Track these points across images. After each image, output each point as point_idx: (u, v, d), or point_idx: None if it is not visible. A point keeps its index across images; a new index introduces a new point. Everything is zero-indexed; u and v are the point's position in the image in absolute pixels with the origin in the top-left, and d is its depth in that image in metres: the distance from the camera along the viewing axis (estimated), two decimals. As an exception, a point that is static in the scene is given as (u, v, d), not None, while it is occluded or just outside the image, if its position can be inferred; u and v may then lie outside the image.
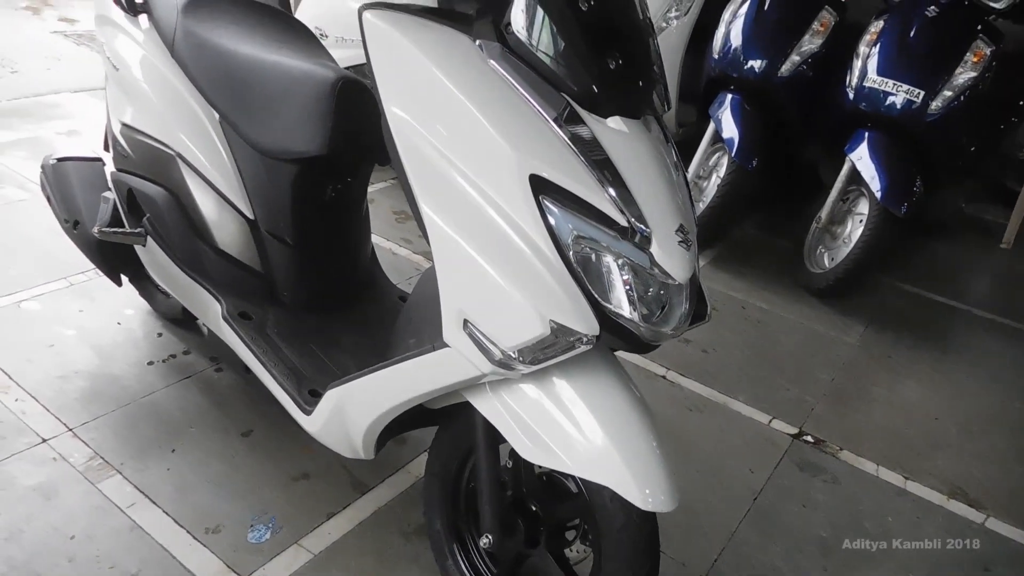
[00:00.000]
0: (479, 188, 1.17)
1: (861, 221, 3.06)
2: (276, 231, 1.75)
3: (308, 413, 1.53)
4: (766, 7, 3.28)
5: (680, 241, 1.19)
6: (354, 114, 1.55)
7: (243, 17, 1.82)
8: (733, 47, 3.27)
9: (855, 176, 3.07)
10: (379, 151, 1.40)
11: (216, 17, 1.78)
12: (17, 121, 3.55)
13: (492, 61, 1.21)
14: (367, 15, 1.27)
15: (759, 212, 3.79)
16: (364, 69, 3.19)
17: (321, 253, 1.80)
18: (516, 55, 1.21)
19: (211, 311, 1.77)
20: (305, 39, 1.86)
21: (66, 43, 4.79)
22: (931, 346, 2.94)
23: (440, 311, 1.23)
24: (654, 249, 1.16)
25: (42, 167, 2.12)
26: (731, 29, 3.31)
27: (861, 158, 3.02)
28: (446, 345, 1.24)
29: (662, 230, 1.17)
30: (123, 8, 1.87)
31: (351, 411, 1.44)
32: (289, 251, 1.76)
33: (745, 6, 3.32)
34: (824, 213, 3.17)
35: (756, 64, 3.21)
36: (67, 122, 3.60)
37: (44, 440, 1.84)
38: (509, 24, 1.22)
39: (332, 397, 1.46)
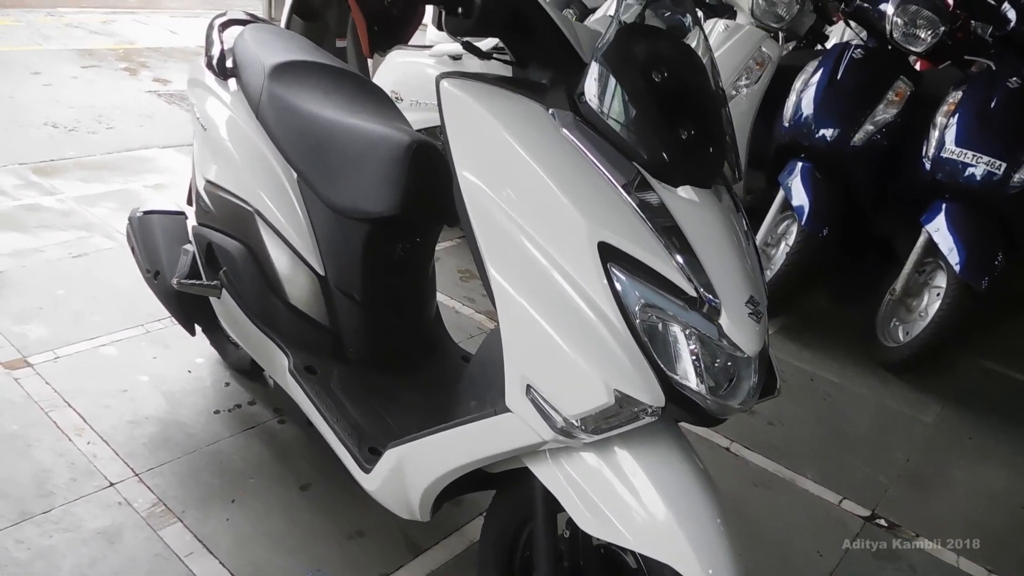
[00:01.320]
0: (547, 254, 1.17)
1: (938, 295, 2.95)
2: (345, 288, 1.79)
3: (367, 471, 1.53)
4: (839, 76, 3.26)
5: (750, 313, 1.16)
6: (426, 176, 1.59)
7: (325, 82, 1.89)
8: (805, 115, 3.25)
9: (932, 248, 2.98)
10: (449, 213, 1.43)
11: (300, 82, 1.86)
12: (109, 174, 3.76)
13: (564, 129, 1.23)
14: (444, 83, 1.31)
15: (829, 282, 3.70)
16: (436, 131, 3.28)
17: (388, 310, 1.83)
18: (588, 123, 1.23)
19: (278, 364, 1.80)
20: (382, 103, 1.92)
21: (159, 102, 5.08)
22: (1017, 429, 2.78)
23: (503, 375, 1.23)
24: (723, 320, 1.14)
25: (129, 219, 2.23)
26: (803, 97, 3.29)
27: (938, 230, 2.93)
28: (508, 410, 1.23)
29: (732, 301, 1.15)
30: (215, 72, 1.98)
31: (410, 472, 1.43)
32: (357, 308, 1.79)
33: (817, 75, 3.31)
34: (899, 285, 3.07)
35: (828, 132, 3.18)
36: (155, 176, 3.80)
37: (111, 484, 1.88)
38: (582, 93, 1.24)
39: (392, 456, 1.46)
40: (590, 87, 1.23)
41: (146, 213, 2.22)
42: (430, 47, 3.29)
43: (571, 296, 1.15)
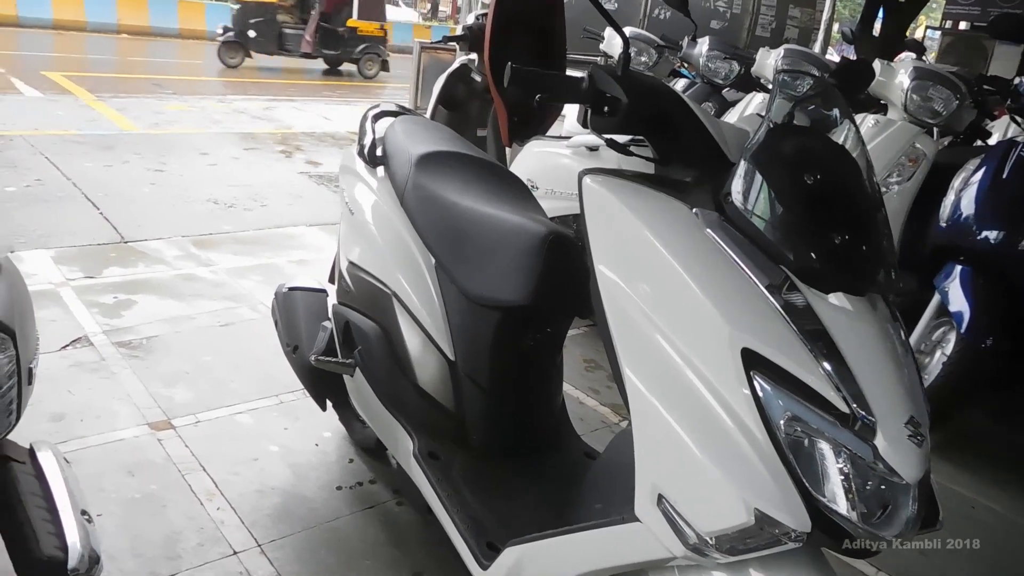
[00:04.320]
0: (686, 357, 1.14)
1: None
2: (473, 374, 1.81)
3: (484, 567, 1.50)
4: (1004, 175, 3.07)
5: (911, 435, 1.08)
6: (561, 268, 1.60)
7: (465, 171, 1.97)
8: (965, 215, 3.06)
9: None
10: (581, 305, 1.42)
11: (442, 171, 1.94)
12: (259, 249, 4.04)
13: (708, 229, 1.21)
14: (587, 180, 1.33)
15: (992, 397, 3.39)
16: (570, 220, 3.30)
17: (514, 399, 1.83)
18: (733, 224, 1.21)
19: (402, 446, 1.83)
20: (519, 192, 1.97)
21: (309, 183, 5.46)
22: None
23: (633, 479, 1.18)
24: (879, 441, 1.06)
25: (275, 294, 2.37)
26: (963, 196, 3.11)
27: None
28: (636, 519, 1.18)
29: (890, 421, 1.07)
30: (365, 160, 2.11)
31: (529, 573, 1.39)
32: (483, 395, 1.80)
33: (980, 173, 3.12)
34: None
35: (992, 235, 2.97)
36: (300, 252, 4.04)
37: (235, 552, 1.94)
38: (728, 193, 1.22)
39: (511, 555, 1.43)
40: (737, 187, 1.22)
41: (291, 289, 2.35)
42: (567, 138, 3.37)
43: (710, 403, 1.11)
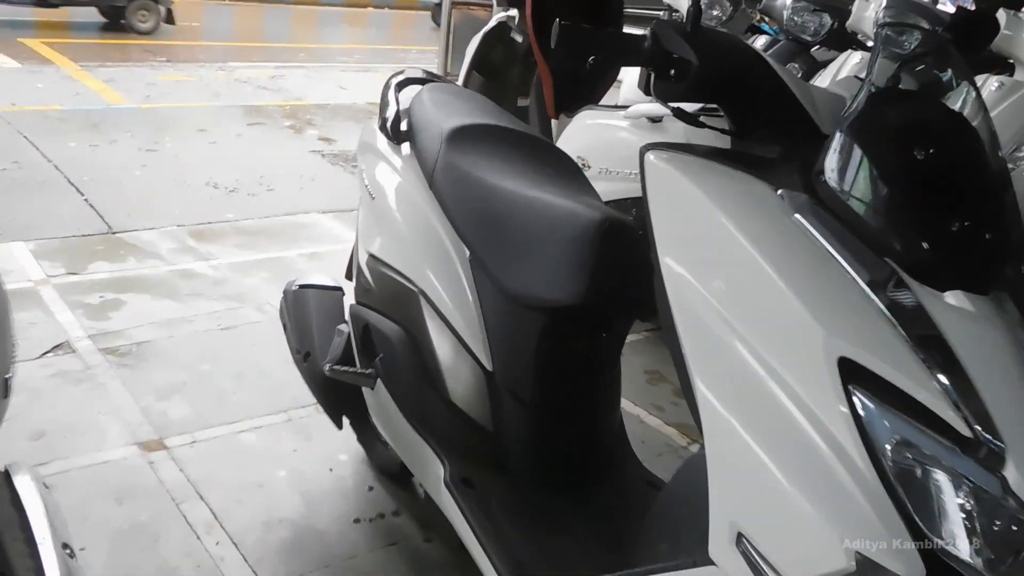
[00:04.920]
0: (771, 368, 1.12)
1: None
2: (514, 387, 1.80)
3: (527, 615, 1.50)
4: None
5: (1049, 464, 1.04)
6: (618, 261, 1.58)
7: (506, 148, 1.96)
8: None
9: None
10: (642, 305, 1.41)
11: (478, 148, 1.94)
12: (265, 240, 4.09)
13: (797, 214, 1.19)
14: (650, 157, 1.31)
15: None
16: (628, 205, 3.27)
17: (562, 417, 1.82)
18: (827, 208, 1.18)
19: (431, 471, 1.83)
20: (568, 172, 1.96)
21: (322, 163, 5.52)
22: None
23: (706, 515, 1.17)
24: (1009, 472, 1.03)
25: (284, 292, 2.39)
26: (1108, 175, 3.02)
27: None
28: (711, 562, 1.16)
29: (1022, 446, 1.03)
30: (388, 136, 2.12)
31: (580, 624, 1.38)
32: (526, 412, 1.79)
33: None
34: None
35: None
36: (312, 244, 4.09)
37: (238, 593, 1.97)
38: (821, 172, 1.20)
39: (559, 601, 1.42)
40: (831, 163, 1.19)
41: (302, 288, 2.37)
42: (625, 107, 3.35)
43: (799, 423, 1.09)
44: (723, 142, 1.41)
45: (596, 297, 1.58)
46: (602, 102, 3.82)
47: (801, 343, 1.10)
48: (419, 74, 2.32)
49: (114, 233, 4.00)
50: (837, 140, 1.20)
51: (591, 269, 1.57)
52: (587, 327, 1.76)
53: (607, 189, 2.99)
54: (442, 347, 1.88)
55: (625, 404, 2.91)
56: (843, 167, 1.18)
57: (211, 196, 4.67)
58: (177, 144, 5.57)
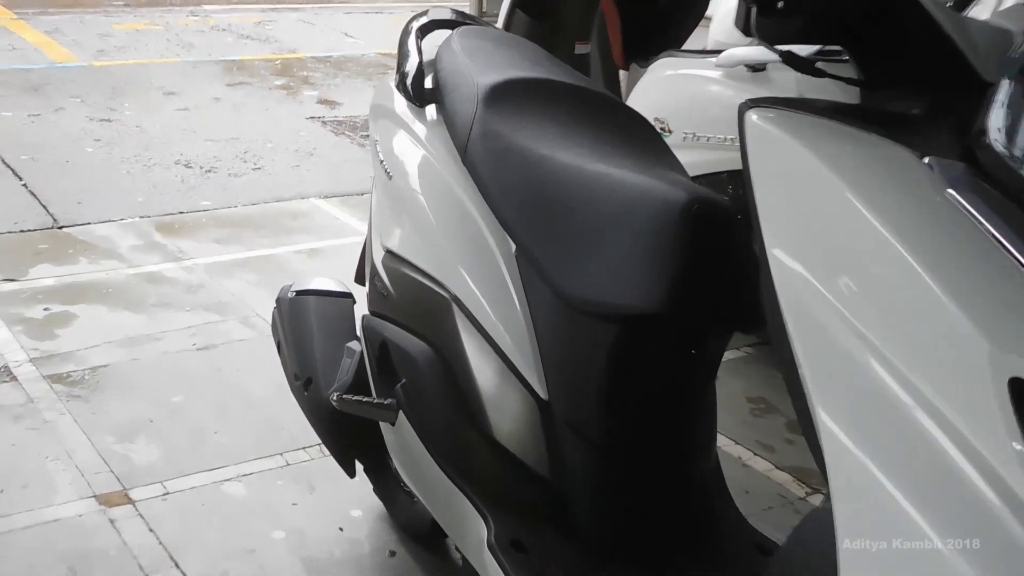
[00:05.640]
0: (918, 394, 1.10)
1: None
2: (577, 421, 1.80)
3: None
4: None
5: None
6: (711, 255, 1.57)
7: (561, 109, 1.96)
8: None
9: None
10: (744, 313, 1.40)
11: (526, 109, 1.94)
12: (253, 234, 4.14)
13: (950, 189, 1.17)
14: (753, 116, 1.30)
15: None
16: (723, 180, 3.27)
17: (640, 460, 1.81)
18: (992, 181, 1.16)
19: (471, 532, 1.83)
20: (643, 139, 1.96)
21: (323, 132, 5.58)
22: None
23: (834, 588, 1.15)
24: None
25: (277, 301, 2.42)
26: None
27: None
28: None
29: None
30: (408, 96, 2.12)
31: None
32: (592, 454, 1.78)
33: None
34: None
35: None
36: (312, 238, 4.14)
37: None
38: (983, 132, 1.18)
39: None
40: (997, 121, 1.17)
41: (299, 294, 2.39)
42: (715, 52, 3.33)
43: (959, 467, 1.07)
44: (849, 95, 1.39)
45: (683, 302, 1.57)
46: (685, 46, 3.82)
47: (959, 360, 1.08)
48: (447, 15, 2.33)
49: (61, 227, 4.07)
50: (1005, 90, 1.18)
51: (676, 266, 1.56)
52: (671, 342, 1.75)
53: (695, 160, 2.98)
54: (482, 370, 1.88)
55: (723, 442, 2.89)
56: (1013, 125, 1.16)
57: (182, 178, 4.74)
58: (139, 112, 5.66)
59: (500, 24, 4.25)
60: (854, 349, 1.16)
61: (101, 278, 3.65)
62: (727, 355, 3.34)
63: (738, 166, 1.35)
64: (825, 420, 1.17)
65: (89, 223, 4.13)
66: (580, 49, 4.19)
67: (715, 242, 1.57)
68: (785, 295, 1.23)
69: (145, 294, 3.54)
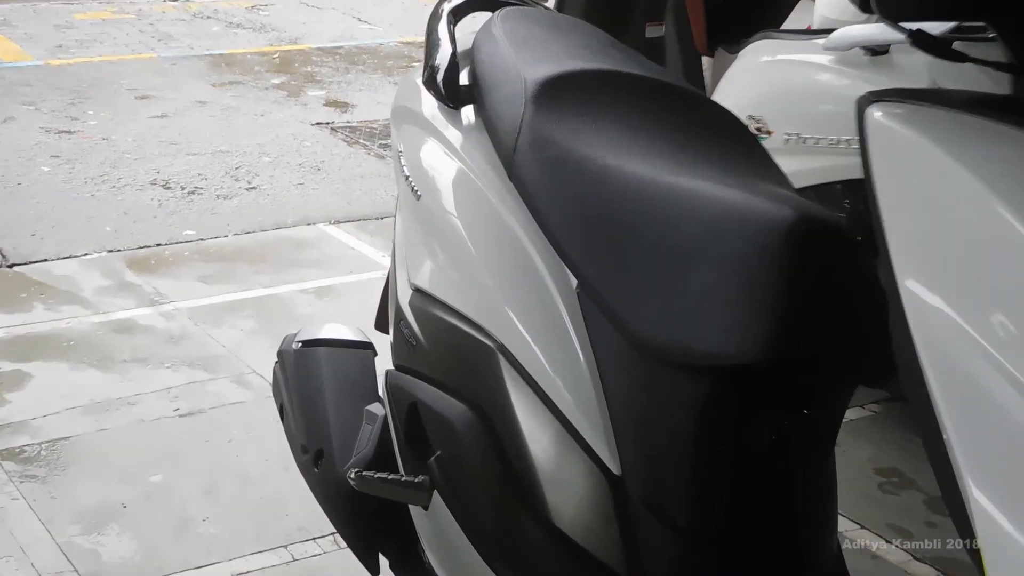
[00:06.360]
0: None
1: None
2: (659, 502, 1.79)
3: None
4: None
5: None
6: (826, 287, 1.57)
7: (633, 108, 1.96)
8: None
9: None
10: (869, 361, 1.38)
11: (587, 109, 1.94)
12: (246, 269, 4.17)
13: None
14: (875, 113, 1.30)
15: None
16: (837, 191, 3.26)
17: (740, 551, 1.79)
18: None
19: (527, 644, 1.83)
20: (735, 143, 1.95)
21: (333, 142, 5.62)
22: None
23: None
24: None
25: (280, 354, 2.42)
26: None
27: None
28: None
29: None
30: (439, 96, 2.13)
31: None
32: (679, 544, 1.77)
33: None
34: None
35: None
36: (319, 274, 4.15)
37: None
38: None
39: None
40: None
41: (307, 345, 2.40)
42: (824, 32, 3.33)
43: None
44: (997, 84, 1.39)
45: (792, 349, 1.56)
46: (785, 25, 3.81)
47: None
48: (485, -6, 2.34)
49: (11, 266, 4.12)
50: None
51: (781, 302, 1.55)
52: (778, 399, 1.74)
53: (801, 168, 2.97)
54: (537, 437, 1.88)
55: (845, 526, 2.86)
56: None
57: (160, 202, 4.78)
58: (106, 120, 5.73)
59: (551, 3, 4.28)
60: (1013, 405, 1.15)
61: (61, 328, 3.67)
62: (849, 415, 3.31)
63: (856, 175, 1.35)
64: (978, 497, 1.16)
65: (46, 260, 4.16)
66: (652, 31, 4.20)
67: (830, 272, 1.56)
68: (922, 338, 1.22)
69: (115, 347, 3.56)
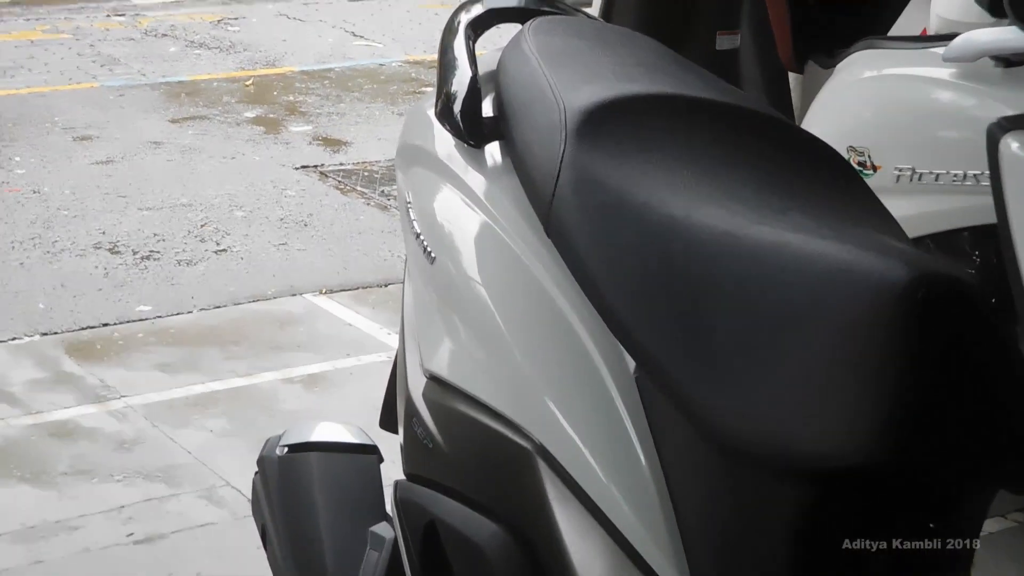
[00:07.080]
0: None
1: None
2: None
3: None
4: None
5: None
6: (952, 365, 1.56)
7: (701, 140, 1.97)
8: None
9: None
10: (1015, 463, 1.38)
11: (643, 144, 1.94)
12: (215, 353, 4.18)
13: None
14: (1011, 142, 1.31)
15: None
16: (964, 240, 3.28)
17: None
18: None
19: None
20: (833, 181, 1.95)
21: (322, 189, 5.65)
22: None
23: None
24: None
25: (260, 462, 2.42)
26: None
27: None
28: None
29: None
30: (456, 132, 2.14)
31: None
32: None
33: None
34: None
35: None
36: (308, 357, 4.15)
37: None
38: None
39: None
40: None
41: (294, 449, 2.40)
42: (944, 40, 3.33)
43: None
44: None
45: (912, 447, 1.55)
46: (893, 31, 3.83)
47: None
48: (512, 1, 2.35)
49: (-79, 354, 4.15)
50: None
51: (900, 387, 1.55)
52: (898, 511, 1.73)
53: (917, 212, 2.96)
54: (588, 560, 1.87)
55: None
56: None
57: (106, 270, 4.81)
58: (36, 168, 5.78)
59: (597, 11, 4.30)
60: None
61: (-17, 432, 3.69)
62: (988, 526, 3.29)
63: (987, 219, 1.34)
64: None
65: (-36, 346, 4.19)
66: (724, 42, 4.22)
67: (958, 345, 1.55)
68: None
69: (53, 456, 3.56)
